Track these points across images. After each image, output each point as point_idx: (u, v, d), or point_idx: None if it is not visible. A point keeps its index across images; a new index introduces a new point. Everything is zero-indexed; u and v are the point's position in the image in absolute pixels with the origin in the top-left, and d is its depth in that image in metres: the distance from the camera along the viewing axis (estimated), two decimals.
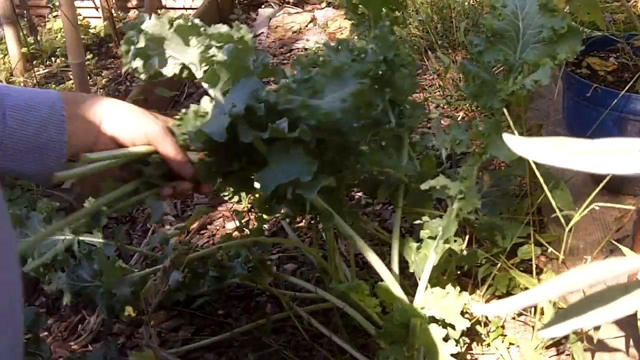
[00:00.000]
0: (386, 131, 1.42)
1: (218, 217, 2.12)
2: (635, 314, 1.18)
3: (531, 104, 2.15)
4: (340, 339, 1.47)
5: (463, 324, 1.32)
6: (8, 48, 3.07)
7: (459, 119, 2.44)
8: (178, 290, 1.64)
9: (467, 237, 1.54)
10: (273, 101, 1.05)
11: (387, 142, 1.50)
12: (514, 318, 1.56)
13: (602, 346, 1.32)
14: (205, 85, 1.19)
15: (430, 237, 1.40)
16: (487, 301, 1.58)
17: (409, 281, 1.64)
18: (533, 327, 1.50)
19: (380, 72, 1.32)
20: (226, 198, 2.09)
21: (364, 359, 1.43)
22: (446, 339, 1.31)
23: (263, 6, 3.77)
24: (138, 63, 1.19)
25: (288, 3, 3.72)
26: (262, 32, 3.51)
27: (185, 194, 1.15)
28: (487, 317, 1.52)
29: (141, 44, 1.16)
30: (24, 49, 3.09)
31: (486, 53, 1.28)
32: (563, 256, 1.40)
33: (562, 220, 1.32)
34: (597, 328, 1.30)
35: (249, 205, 2.09)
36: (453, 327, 1.34)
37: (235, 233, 1.81)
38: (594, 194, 1.28)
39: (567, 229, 1.30)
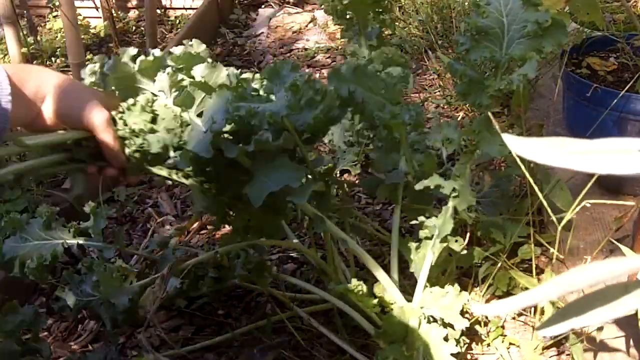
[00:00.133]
0: (384, 131, 1.42)
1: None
2: (635, 314, 1.18)
3: (531, 104, 2.15)
4: (340, 339, 1.47)
5: (462, 324, 1.32)
6: (8, 48, 3.07)
7: (459, 119, 2.44)
8: (177, 296, 1.64)
9: (467, 236, 1.55)
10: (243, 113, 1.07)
11: (385, 143, 1.50)
12: (514, 318, 1.56)
13: (602, 346, 1.32)
14: (177, 109, 1.18)
15: (427, 237, 1.40)
16: (487, 301, 1.58)
17: (409, 281, 1.64)
18: (533, 327, 1.50)
19: None
20: None
21: (363, 359, 1.43)
22: (446, 338, 1.31)
23: (263, 6, 3.77)
24: None
25: (288, 3, 3.72)
26: (262, 32, 3.51)
27: (109, 179, 1.17)
28: (487, 317, 1.52)
29: (111, 86, 1.17)
30: (24, 49, 3.09)
31: (472, 51, 1.29)
32: (562, 255, 1.40)
33: (555, 220, 1.32)
34: (600, 329, 1.30)
35: None
36: (452, 326, 1.34)
37: None
38: (583, 192, 1.28)
39: (559, 227, 1.30)
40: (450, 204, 1.34)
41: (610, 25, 2.03)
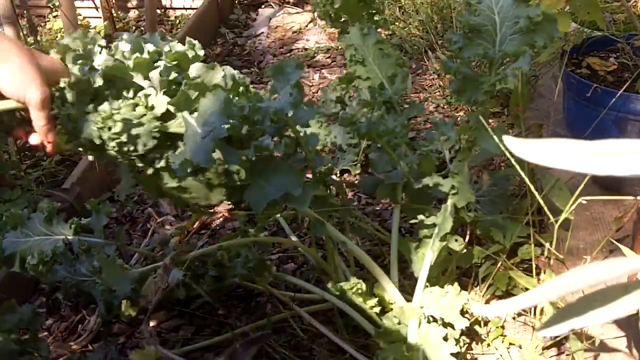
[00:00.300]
0: (382, 131, 1.42)
1: (218, 217, 2.12)
2: (635, 314, 1.18)
3: (531, 104, 2.15)
4: (340, 339, 1.47)
5: (462, 324, 1.32)
6: None
7: (459, 118, 2.44)
8: (178, 287, 1.64)
9: (466, 236, 1.55)
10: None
11: (384, 143, 1.50)
12: (514, 318, 1.56)
13: (602, 346, 1.32)
14: (171, 107, 1.16)
15: (427, 236, 1.40)
16: (487, 301, 1.58)
17: (409, 281, 1.64)
18: (533, 327, 1.50)
19: None
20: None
21: (363, 359, 1.43)
22: (446, 338, 1.31)
23: (263, 6, 3.77)
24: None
25: (288, 3, 3.72)
26: (262, 32, 3.51)
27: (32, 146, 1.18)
28: (486, 317, 1.52)
29: (99, 83, 1.14)
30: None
31: (465, 49, 1.29)
32: (561, 255, 1.40)
33: (553, 220, 1.32)
34: (599, 330, 1.30)
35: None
36: (452, 326, 1.34)
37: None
38: (578, 190, 1.28)
39: (556, 226, 1.30)
40: (450, 201, 1.34)
41: (610, 25, 2.03)
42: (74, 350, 1.66)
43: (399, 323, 1.35)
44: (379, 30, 1.56)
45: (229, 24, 3.60)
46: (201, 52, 1.17)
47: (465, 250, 1.51)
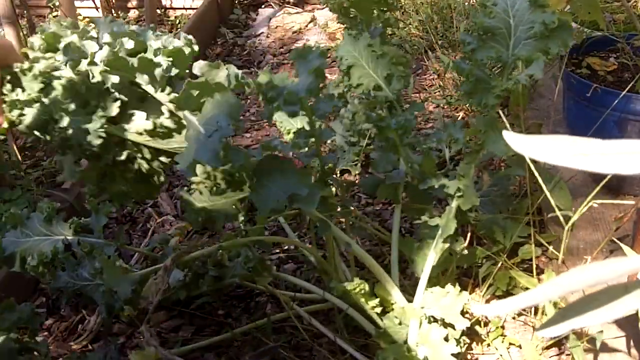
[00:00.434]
0: (382, 131, 1.42)
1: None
2: (635, 314, 1.18)
3: (531, 104, 2.15)
4: (341, 339, 1.47)
5: (463, 324, 1.32)
6: None
7: (459, 118, 2.44)
8: (179, 288, 1.64)
9: (467, 236, 1.55)
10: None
11: (385, 143, 1.50)
12: (514, 318, 1.56)
13: (602, 346, 1.32)
14: (171, 105, 1.16)
15: (429, 237, 1.40)
16: (487, 301, 1.58)
17: (409, 281, 1.64)
18: (533, 327, 1.50)
19: None
20: None
21: (363, 359, 1.43)
22: (446, 338, 1.31)
23: (263, 6, 3.77)
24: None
25: (288, 3, 3.72)
26: (262, 32, 3.51)
27: None
28: (487, 317, 1.52)
29: (97, 78, 1.15)
30: (24, 49, 3.09)
31: (478, 51, 1.29)
32: (563, 255, 1.40)
33: (562, 220, 1.32)
34: (600, 332, 1.30)
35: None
36: (453, 327, 1.34)
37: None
38: (593, 193, 1.28)
39: (566, 229, 1.30)
40: (454, 204, 1.34)
41: (610, 25, 2.03)
42: (74, 350, 1.66)
43: (400, 323, 1.35)
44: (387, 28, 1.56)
45: (229, 24, 3.60)
46: (196, 48, 1.17)
47: (465, 251, 1.51)
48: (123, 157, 1.23)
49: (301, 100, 1.10)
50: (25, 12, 3.24)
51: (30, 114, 1.13)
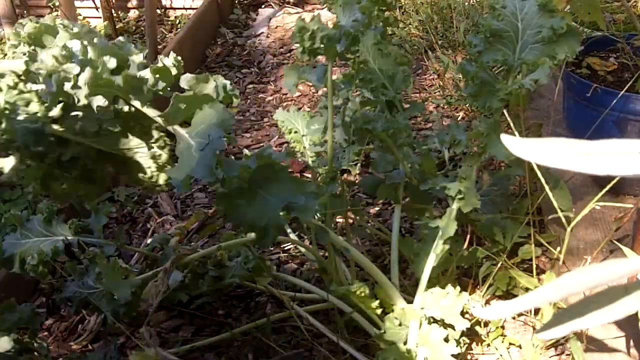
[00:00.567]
0: (371, 133, 1.42)
1: (218, 217, 2.12)
2: (635, 314, 1.18)
3: (531, 104, 2.15)
4: (341, 339, 1.47)
5: (463, 325, 1.32)
6: None
7: (459, 119, 2.44)
8: (179, 290, 1.64)
9: (467, 236, 1.55)
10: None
11: (384, 144, 1.50)
12: (514, 318, 1.56)
13: (602, 346, 1.32)
14: (159, 119, 1.15)
15: (429, 237, 1.40)
16: (488, 301, 1.58)
17: (409, 281, 1.64)
18: (533, 327, 1.50)
19: None
20: None
21: (363, 359, 1.43)
22: (446, 339, 1.31)
23: (263, 6, 3.77)
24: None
25: (288, 3, 3.72)
26: (262, 32, 3.51)
27: None
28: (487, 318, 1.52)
29: (83, 102, 1.13)
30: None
31: (485, 53, 1.28)
32: (562, 256, 1.40)
33: (564, 220, 1.31)
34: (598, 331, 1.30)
35: None
36: (453, 327, 1.34)
37: None
38: (597, 197, 1.28)
39: (568, 230, 1.30)
40: (455, 205, 1.34)
41: (610, 25, 2.03)
42: (74, 350, 1.66)
43: (400, 324, 1.35)
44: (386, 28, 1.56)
45: (229, 24, 3.60)
46: (181, 72, 1.16)
47: (466, 251, 1.51)
48: (67, 158, 1.22)
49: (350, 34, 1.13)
50: (25, 12, 3.24)
51: None
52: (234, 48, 3.36)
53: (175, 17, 3.62)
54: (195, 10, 3.43)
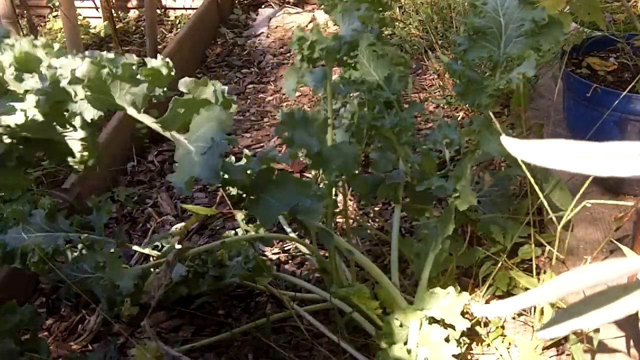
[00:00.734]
0: (378, 131, 1.42)
1: (218, 217, 2.12)
2: (635, 314, 1.18)
3: (531, 104, 2.15)
4: (341, 339, 1.47)
5: (463, 325, 1.32)
6: None
7: (459, 118, 2.44)
8: (181, 284, 1.64)
9: (467, 236, 1.55)
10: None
11: (385, 143, 1.50)
12: (514, 318, 1.56)
13: (602, 346, 1.32)
14: (156, 126, 1.15)
15: (429, 237, 1.40)
16: (487, 301, 1.58)
17: (409, 281, 1.64)
18: (533, 327, 1.50)
19: None
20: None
21: (364, 359, 1.43)
22: (447, 339, 1.31)
23: (263, 6, 3.77)
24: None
25: (288, 3, 3.72)
26: (262, 32, 3.51)
27: None
28: (487, 317, 1.52)
29: (80, 95, 1.13)
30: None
31: (470, 51, 1.29)
32: (561, 255, 1.40)
33: (555, 220, 1.31)
34: (596, 331, 1.30)
35: None
36: (453, 327, 1.34)
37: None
38: (582, 189, 1.28)
39: (559, 227, 1.30)
40: (452, 204, 1.34)
41: (610, 25, 2.03)
42: (74, 350, 1.66)
43: (400, 324, 1.35)
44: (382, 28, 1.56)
45: (229, 24, 3.60)
46: (172, 73, 1.15)
47: (465, 251, 1.51)
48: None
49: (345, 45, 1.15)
50: (25, 12, 3.24)
51: None
52: (234, 48, 3.36)
53: (175, 17, 3.62)
54: (195, 10, 3.43)
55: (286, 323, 1.64)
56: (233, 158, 1.86)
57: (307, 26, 3.51)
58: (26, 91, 1.13)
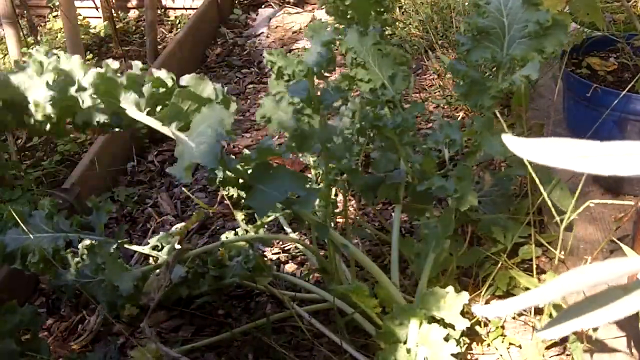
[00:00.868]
0: (380, 131, 1.42)
1: (218, 217, 2.12)
2: (635, 314, 1.18)
3: (531, 104, 2.15)
4: (341, 338, 1.47)
5: (463, 324, 1.32)
6: (8, 48, 3.07)
7: (459, 118, 2.44)
8: (181, 285, 1.64)
9: (467, 236, 1.55)
10: None
11: (385, 143, 1.50)
12: (514, 318, 1.56)
13: (602, 346, 1.32)
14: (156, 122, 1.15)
15: (429, 237, 1.40)
16: (488, 301, 1.58)
17: (409, 281, 1.64)
18: (533, 327, 1.50)
19: None
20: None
21: (363, 359, 1.43)
22: (446, 339, 1.31)
23: (263, 6, 3.77)
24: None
25: (288, 3, 3.72)
26: (262, 32, 3.51)
27: None
28: (487, 317, 1.52)
29: (87, 103, 1.13)
30: (24, 49, 3.09)
31: (473, 51, 1.29)
32: (562, 255, 1.40)
33: (558, 220, 1.32)
34: (595, 329, 1.30)
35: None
36: (453, 327, 1.34)
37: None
38: (578, 189, 1.28)
39: (562, 227, 1.30)
40: (453, 204, 1.34)
41: (610, 25, 2.03)
42: (74, 350, 1.66)
43: (400, 324, 1.35)
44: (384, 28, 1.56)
45: (229, 24, 3.60)
46: (170, 84, 1.17)
47: (465, 251, 1.51)
48: None
49: (309, 71, 1.12)
50: (25, 12, 3.24)
51: None
52: (234, 48, 3.36)
53: (175, 17, 3.62)
54: (195, 10, 3.43)
55: (286, 323, 1.64)
56: (233, 157, 1.86)
57: (307, 25, 3.51)
58: None
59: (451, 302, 1.34)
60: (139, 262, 1.91)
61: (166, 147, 2.51)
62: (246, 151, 2.04)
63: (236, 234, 1.85)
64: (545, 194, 1.29)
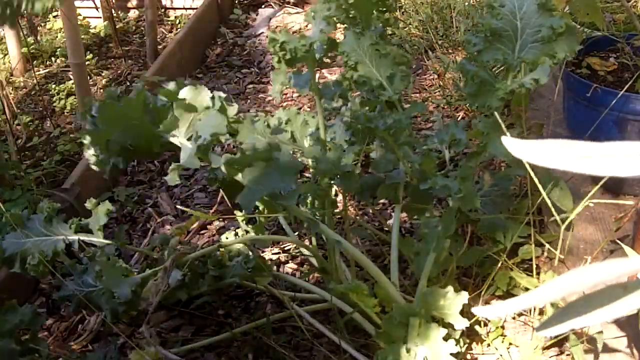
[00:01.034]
0: (372, 132, 1.43)
1: (218, 217, 2.12)
2: (635, 314, 1.18)
3: (531, 104, 2.15)
4: (340, 338, 1.47)
5: (462, 324, 1.32)
6: (8, 48, 3.07)
7: (459, 118, 2.44)
8: (179, 289, 1.64)
9: (467, 236, 1.55)
10: None
11: (385, 143, 1.50)
12: (514, 318, 1.56)
13: (602, 346, 1.32)
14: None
15: (429, 237, 1.40)
16: (488, 301, 1.58)
17: (409, 281, 1.64)
18: (533, 327, 1.50)
19: None
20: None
21: (363, 359, 1.43)
22: (446, 338, 1.31)
23: (263, 6, 3.77)
24: None
25: (288, 3, 3.72)
26: (262, 32, 3.51)
27: None
28: (487, 318, 1.52)
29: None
30: (24, 49, 3.09)
31: (485, 52, 1.28)
32: (562, 255, 1.40)
33: (559, 220, 1.32)
34: (599, 332, 1.30)
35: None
36: (453, 326, 1.34)
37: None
38: (590, 193, 1.28)
39: (562, 227, 1.30)
40: (454, 205, 1.34)
41: (610, 25, 2.03)
42: (74, 350, 1.66)
43: (400, 323, 1.35)
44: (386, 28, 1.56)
45: (229, 24, 3.60)
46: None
47: (465, 251, 1.51)
48: None
49: (312, 46, 1.17)
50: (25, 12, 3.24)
51: None
52: (234, 48, 3.36)
53: (175, 17, 3.62)
54: (195, 10, 3.43)
55: (286, 323, 1.64)
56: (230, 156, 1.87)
57: (306, 26, 3.51)
58: None
59: (451, 301, 1.34)
60: (138, 262, 1.91)
61: None
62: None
63: (236, 234, 1.86)
64: (545, 194, 1.29)
